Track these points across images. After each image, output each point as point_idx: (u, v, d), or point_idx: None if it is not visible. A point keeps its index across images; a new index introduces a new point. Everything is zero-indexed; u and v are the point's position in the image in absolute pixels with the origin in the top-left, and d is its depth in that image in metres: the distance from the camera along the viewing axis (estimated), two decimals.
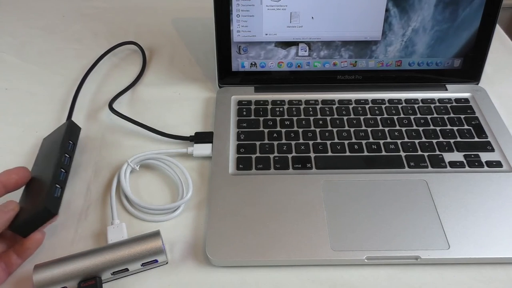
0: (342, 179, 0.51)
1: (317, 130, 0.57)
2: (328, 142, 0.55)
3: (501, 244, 0.45)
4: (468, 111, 0.60)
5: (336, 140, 0.56)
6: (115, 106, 0.62)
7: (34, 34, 0.76)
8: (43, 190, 0.45)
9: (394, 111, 0.60)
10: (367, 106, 0.60)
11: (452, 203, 0.48)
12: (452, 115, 0.59)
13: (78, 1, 0.85)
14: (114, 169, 0.54)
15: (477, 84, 0.64)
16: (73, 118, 0.60)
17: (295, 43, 0.61)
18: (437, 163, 0.53)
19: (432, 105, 0.61)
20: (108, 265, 0.42)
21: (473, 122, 0.58)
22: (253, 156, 0.54)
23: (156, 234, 0.44)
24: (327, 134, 0.57)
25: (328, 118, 0.59)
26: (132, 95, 0.65)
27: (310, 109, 0.60)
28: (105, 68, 0.69)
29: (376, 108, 0.60)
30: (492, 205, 0.48)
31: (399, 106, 0.61)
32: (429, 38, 0.60)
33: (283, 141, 0.56)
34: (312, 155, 0.54)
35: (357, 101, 0.61)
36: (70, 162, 0.51)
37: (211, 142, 0.56)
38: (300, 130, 0.57)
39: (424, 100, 0.61)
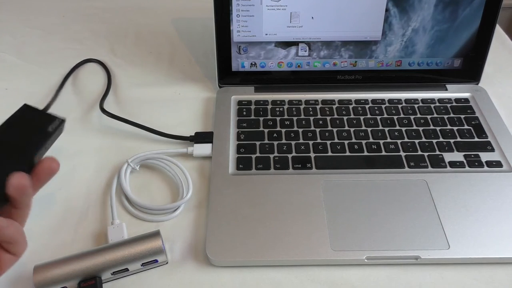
0: (342, 179, 0.51)
1: (317, 130, 0.57)
2: (328, 142, 0.55)
3: (501, 244, 0.45)
4: (468, 111, 0.60)
5: (336, 140, 0.56)
6: (116, 105, 0.62)
7: (34, 34, 0.76)
8: None
9: (394, 111, 0.60)
10: (367, 106, 0.60)
11: (452, 203, 0.48)
12: (452, 115, 0.59)
13: (78, 1, 0.85)
14: (114, 169, 0.54)
15: (477, 84, 0.64)
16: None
17: (295, 43, 0.61)
18: (437, 163, 0.53)
19: (432, 105, 0.61)
20: (108, 265, 0.42)
21: (473, 122, 0.58)
22: (253, 156, 0.54)
23: (156, 234, 0.44)
24: (327, 134, 0.57)
25: (328, 118, 0.59)
26: (133, 95, 0.65)
27: (310, 109, 0.60)
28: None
29: (376, 108, 0.60)
30: (492, 205, 0.48)
31: (399, 106, 0.61)
32: (429, 38, 0.60)
33: (283, 141, 0.56)
34: (312, 155, 0.54)
35: (357, 101, 0.61)
36: None
37: (211, 142, 0.56)
38: (300, 130, 0.57)
39: (424, 100, 0.61)
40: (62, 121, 0.44)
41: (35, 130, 0.42)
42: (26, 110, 0.43)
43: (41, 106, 0.41)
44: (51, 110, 0.43)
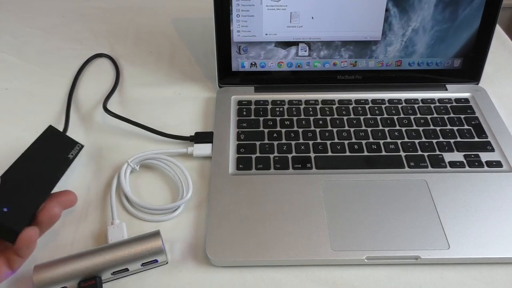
0: (342, 179, 0.51)
1: (317, 130, 0.57)
2: (328, 142, 0.55)
3: (501, 244, 0.45)
4: (468, 111, 0.60)
5: (336, 140, 0.56)
6: (116, 105, 0.62)
7: (34, 34, 0.76)
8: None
9: (394, 111, 0.60)
10: (367, 106, 0.60)
11: (452, 203, 0.48)
12: (452, 115, 0.59)
13: (78, 1, 0.85)
14: (114, 169, 0.54)
15: (477, 84, 0.64)
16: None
17: (295, 43, 0.61)
18: (437, 163, 0.53)
19: (432, 105, 0.61)
20: (108, 265, 0.42)
21: (473, 122, 0.58)
22: (253, 156, 0.54)
23: (156, 234, 0.44)
24: (327, 134, 0.57)
25: (328, 118, 0.59)
26: (133, 95, 0.65)
27: (310, 109, 0.60)
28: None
29: (376, 108, 0.60)
30: (492, 205, 0.48)
31: (399, 106, 0.61)
32: (429, 38, 0.60)
33: (283, 141, 0.56)
34: (312, 155, 0.54)
35: (357, 101, 0.61)
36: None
37: (211, 142, 0.56)
38: (300, 130, 0.57)
39: (424, 100, 0.61)
40: (81, 147, 0.50)
41: (59, 156, 0.48)
42: (50, 133, 0.48)
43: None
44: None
